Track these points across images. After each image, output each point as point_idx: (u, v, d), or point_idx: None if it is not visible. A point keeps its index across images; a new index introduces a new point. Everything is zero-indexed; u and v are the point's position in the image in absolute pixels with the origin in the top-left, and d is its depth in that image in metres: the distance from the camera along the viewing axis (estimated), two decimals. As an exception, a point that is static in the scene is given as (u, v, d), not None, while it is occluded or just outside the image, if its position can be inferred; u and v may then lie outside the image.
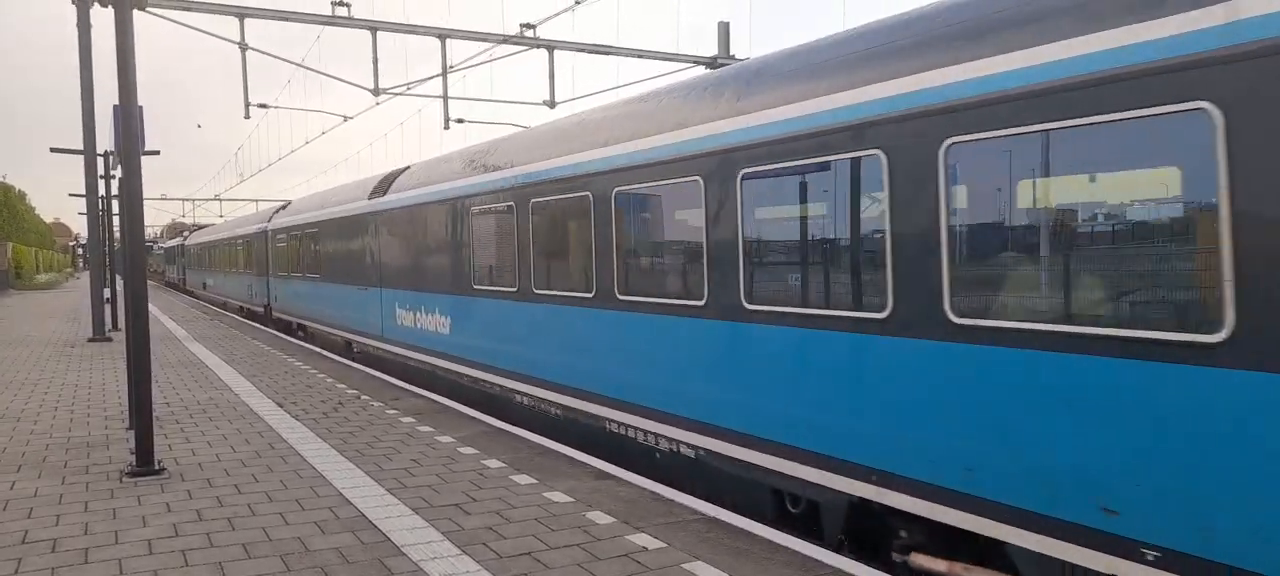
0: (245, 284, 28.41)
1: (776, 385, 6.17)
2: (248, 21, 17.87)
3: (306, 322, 20.05)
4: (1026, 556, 4.61)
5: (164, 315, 28.38)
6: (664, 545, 5.47)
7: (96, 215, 21.21)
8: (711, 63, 21.25)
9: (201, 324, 24.75)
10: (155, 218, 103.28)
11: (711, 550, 5.37)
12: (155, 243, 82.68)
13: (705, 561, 5.18)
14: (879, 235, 5.34)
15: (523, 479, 7.12)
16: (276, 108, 24.41)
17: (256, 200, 69.85)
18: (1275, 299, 3.63)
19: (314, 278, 18.98)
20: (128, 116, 7.39)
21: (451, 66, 19.84)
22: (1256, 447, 3.68)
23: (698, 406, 6.96)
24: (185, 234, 60.57)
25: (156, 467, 7.39)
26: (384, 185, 14.72)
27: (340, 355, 16.54)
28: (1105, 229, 4.47)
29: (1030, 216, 4.71)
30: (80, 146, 19.55)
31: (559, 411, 9.06)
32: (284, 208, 23.64)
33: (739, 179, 6.44)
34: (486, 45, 19.73)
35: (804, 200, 6.07)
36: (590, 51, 20.89)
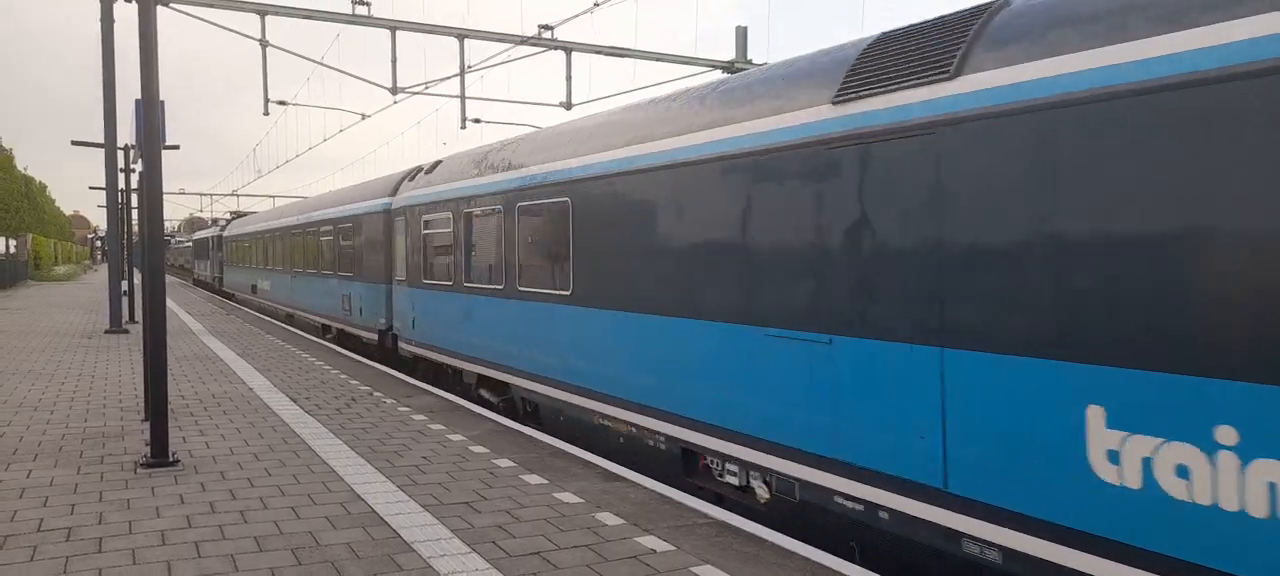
0: (336, 295, 19.02)
1: None
2: (268, 18, 18.00)
3: (513, 380, 10.17)
4: None
5: (181, 309, 28.57)
6: (673, 548, 5.47)
7: (116, 208, 21.40)
8: (729, 67, 21.26)
9: (218, 318, 24.90)
10: (173, 212, 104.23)
11: (721, 554, 5.37)
12: (173, 237, 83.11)
13: (715, 565, 5.17)
14: None
15: (533, 479, 7.13)
16: (295, 105, 24.55)
17: (272, 196, 70.27)
18: None
19: (545, 295, 9.29)
20: (149, 111, 7.46)
21: (469, 66, 19.91)
22: None
23: None
24: (223, 221, 47.71)
25: (171, 459, 7.45)
26: (945, 56, 5.20)
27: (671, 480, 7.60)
28: None
29: None
30: (101, 139, 19.75)
31: None
32: (426, 171, 13.95)
33: None
34: (505, 46, 19.80)
35: None
36: (608, 54, 20.92)
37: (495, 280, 10.53)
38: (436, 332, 12.60)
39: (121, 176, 21.49)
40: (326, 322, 20.19)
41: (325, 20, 18.24)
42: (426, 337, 13.02)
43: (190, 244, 65.22)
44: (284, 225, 25.44)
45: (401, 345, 14.37)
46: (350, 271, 17.87)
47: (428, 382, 12.95)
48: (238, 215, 45.20)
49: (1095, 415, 4.22)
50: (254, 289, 30.82)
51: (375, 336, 15.99)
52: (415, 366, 14.16)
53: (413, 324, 13.59)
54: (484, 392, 11.28)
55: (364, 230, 16.98)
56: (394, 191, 15.64)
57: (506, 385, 10.57)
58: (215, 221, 57.37)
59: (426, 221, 12.97)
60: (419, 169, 14.83)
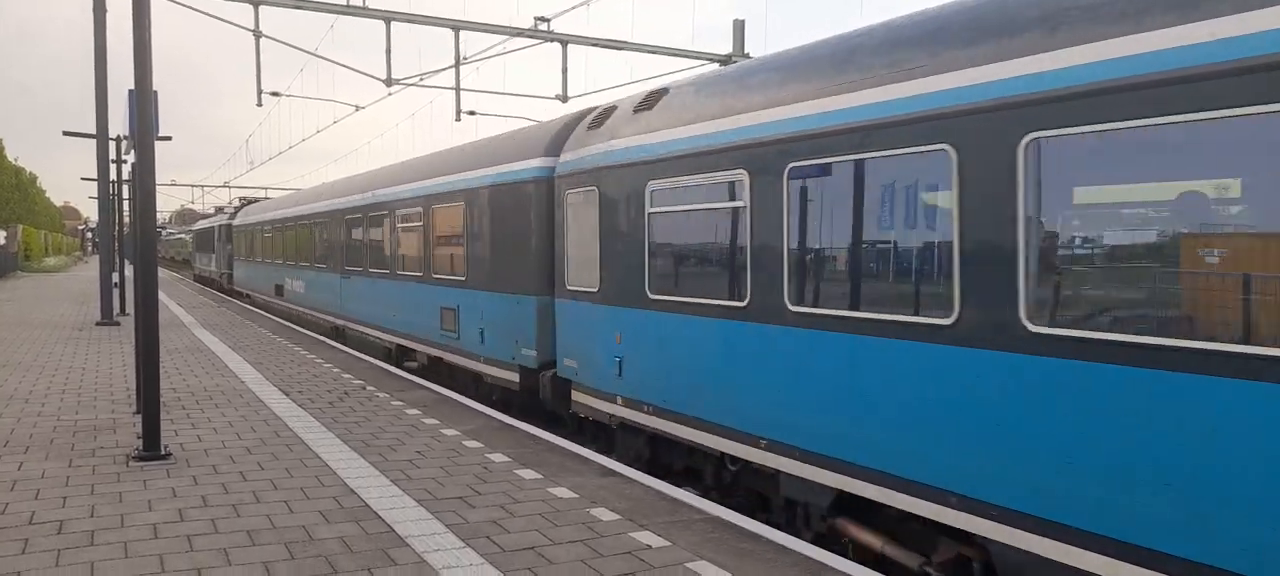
0: (430, 308, 13.16)
1: None
2: (262, 9, 17.90)
3: (1000, 536, 4.66)
4: None
5: (172, 301, 28.46)
6: (668, 543, 5.46)
7: (107, 199, 21.28)
8: (726, 60, 21.22)
9: (209, 310, 24.80)
10: (164, 203, 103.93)
11: (716, 550, 5.36)
12: (164, 228, 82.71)
13: (709, 560, 5.17)
14: None
15: (528, 473, 7.12)
16: (289, 96, 24.47)
17: (264, 188, 69.68)
18: None
19: (1155, 355, 3.95)
20: (143, 102, 7.40)
21: (465, 58, 19.83)
22: None
23: None
24: (232, 209, 39.57)
25: (163, 452, 7.42)
26: None
27: None
28: None
29: None
30: (92, 130, 19.63)
31: None
32: (636, 109, 8.40)
33: None
34: (500, 38, 19.72)
35: None
36: (604, 46, 20.86)
37: (935, 306, 5.15)
38: (685, 392, 7.40)
39: (113, 167, 21.37)
40: (409, 345, 14.29)
41: (319, 10, 18.15)
42: (656, 395, 7.79)
43: (188, 236, 59.92)
44: (330, 209, 19.15)
45: (579, 398, 9.16)
46: (459, 273, 12.13)
47: (632, 465, 8.04)
48: (248, 201, 37.93)
49: None
50: (279, 291, 24.28)
51: (515, 375, 10.51)
52: (599, 436, 9.20)
53: (619, 368, 8.30)
54: (851, 528, 6.01)
55: (492, 211, 11.14)
56: (555, 148, 10.02)
57: (970, 538, 5.11)
58: (219, 210, 48.91)
59: (657, 193, 7.76)
60: (606, 110, 9.24)
